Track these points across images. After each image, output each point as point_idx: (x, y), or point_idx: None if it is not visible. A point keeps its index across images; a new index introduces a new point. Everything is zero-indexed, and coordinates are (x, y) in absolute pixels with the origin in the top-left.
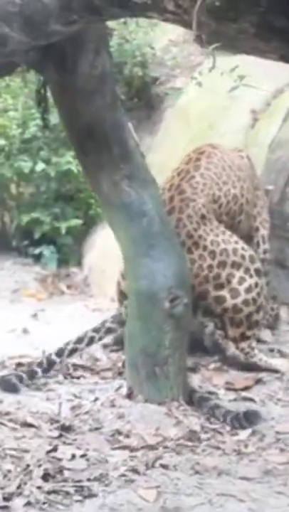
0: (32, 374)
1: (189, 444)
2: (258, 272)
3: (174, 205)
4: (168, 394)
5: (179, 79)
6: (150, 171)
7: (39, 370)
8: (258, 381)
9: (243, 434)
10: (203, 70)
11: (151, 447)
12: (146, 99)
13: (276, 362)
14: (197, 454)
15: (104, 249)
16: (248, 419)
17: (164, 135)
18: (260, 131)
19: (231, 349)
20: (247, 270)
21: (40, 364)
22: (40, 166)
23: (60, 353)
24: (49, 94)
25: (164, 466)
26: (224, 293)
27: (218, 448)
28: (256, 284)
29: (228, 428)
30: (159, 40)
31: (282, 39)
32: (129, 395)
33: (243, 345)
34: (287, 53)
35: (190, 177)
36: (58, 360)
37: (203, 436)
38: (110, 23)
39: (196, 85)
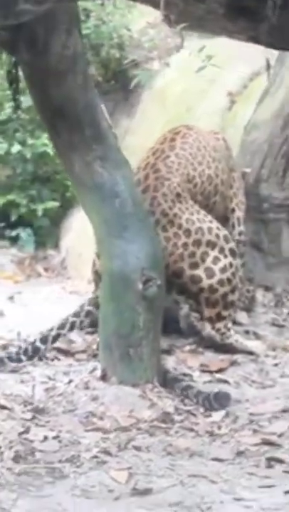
0: (17, 361)
1: (163, 425)
2: (232, 252)
3: (149, 183)
4: (142, 376)
5: (156, 61)
6: (122, 152)
7: (23, 358)
8: (233, 363)
9: (217, 416)
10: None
11: (125, 429)
12: (122, 82)
13: (252, 344)
14: (170, 436)
15: (81, 232)
16: (218, 400)
17: (141, 117)
18: (237, 113)
19: (207, 329)
20: (221, 250)
21: (25, 351)
22: (15, 148)
23: (44, 340)
24: (21, 74)
25: (137, 448)
26: (199, 272)
27: (191, 430)
28: (231, 264)
29: (201, 410)
30: (136, 22)
31: (250, 19)
32: (103, 377)
33: (219, 325)
34: (256, 34)
35: (165, 156)
36: (43, 347)
37: (176, 418)
38: (87, 5)
39: (170, 67)
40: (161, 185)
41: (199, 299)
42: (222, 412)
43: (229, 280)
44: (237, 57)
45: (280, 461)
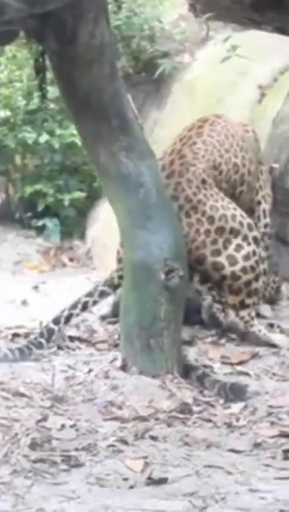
0: (39, 345)
1: (181, 416)
2: (255, 240)
3: (174, 169)
4: (162, 366)
5: (187, 53)
6: (148, 143)
7: (43, 341)
8: (255, 355)
9: (236, 408)
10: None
11: (143, 419)
12: (153, 74)
13: (275, 337)
14: (188, 426)
15: (107, 223)
16: (234, 391)
17: (171, 109)
18: (267, 106)
19: (231, 316)
20: (245, 237)
21: (42, 334)
22: (44, 138)
23: (56, 320)
24: (48, 64)
25: (154, 438)
26: (221, 259)
27: (209, 421)
28: (254, 252)
29: (221, 401)
30: (168, 14)
31: (276, 10)
32: (124, 367)
33: (243, 313)
34: (282, 25)
35: (192, 143)
36: (56, 328)
37: (195, 408)
38: None
39: (199, 59)
40: (186, 170)
41: (222, 287)
42: (241, 404)
43: (252, 268)
44: (268, 50)
45: None
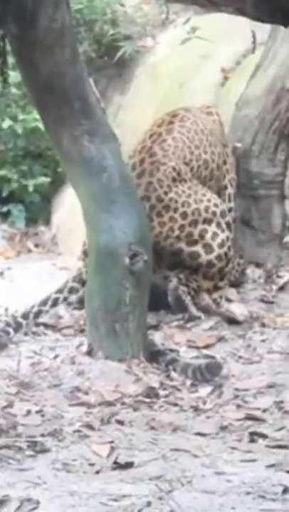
0: (6, 333)
1: (147, 400)
2: (228, 225)
3: (145, 167)
4: (128, 351)
5: (150, 37)
6: (111, 127)
7: (11, 330)
8: (221, 339)
9: (203, 391)
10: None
11: (109, 403)
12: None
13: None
14: (154, 411)
15: (72, 208)
16: (210, 370)
17: (135, 94)
18: (231, 89)
19: (206, 299)
20: (218, 225)
21: (9, 324)
22: (7, 123)
23: (25, 315)
24: (9, 48)
25: (120, 422)
26: (198, 248)
27: (175, 405)
28: (227, 238)
29: (187, 384)
30: None
31: None
32: (90, 352)
33: (215, 295)
34: (242, 6)
35: (162, 140)
36: (24, 322)
37: (161, 392)
38: None
39: (163, 43)
40: (156, 170)
41: (197, 272)
42: (208, 388)
43: (226, 254)
44: (231, 34)
45: (263, 436)
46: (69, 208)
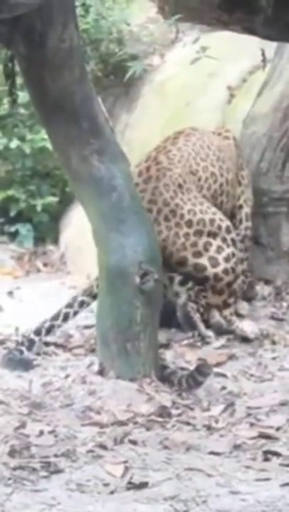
0: (20, 352)
1: (160, 419)
2: (233, 242)
3: (151, 174)
4: (140, 370)
5: (156, 56)
6: (120, 146)
7: (24, 349)
8: (231, 357)
9: (215, 410)
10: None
11: (122, 423)
12: (122, 77)
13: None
14: (167, 430)
15: (81, 227)
16: (200, 372)
17: (142, 112)
18: (237, 107)
19: (216, 317)
20: (224, 240)
21: (22, 343)
22: (14, 143)
23: (38, 332)
24: (18, 69)
25: (133, 442)
26: (203, 261)
27: (188, 423)
28: (233, 254)
29: (201, 404)
30: (136, 16)
31: (245, 10)
32: (101, 372)
33: (226, 312)
34: (251, 25)
35: (167, 150)
36: (36, 338)
37: (174, 411)
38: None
39: (170, 61)
40: (162, 175)
41: (205, 287)
42: (220, 406)
43: (233, 269)
44: (238, 52)
45: (277, 455)
46: (77, 227)
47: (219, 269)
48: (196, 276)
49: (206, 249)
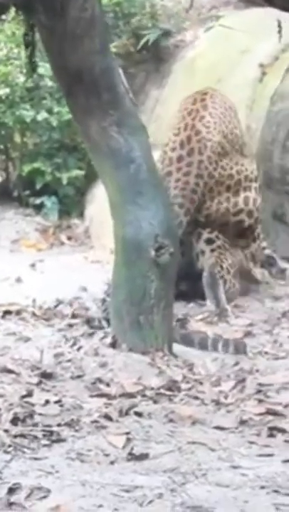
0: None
1: (168, 393)
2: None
3: (193, 146)
4: (152, 343)
5: (189, 32)
6: (140, 118)
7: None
8: (247, 334)
9: (225, 386)
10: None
11: (129, 395)
12: (154, 52)
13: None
14: (174, 403)
15: (105, 201)
16: (237, 346)
17: (172, 88)
18: (268, 84)
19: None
20: (256, 190)
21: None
22: (42, 116)
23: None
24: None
25: (138, 414)
26: (243, 216)
27: (196, 398)
28: (257, 201)
29: (214, 379)
30: None
31: None
32: (113, 344)
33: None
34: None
35: (201, 116)
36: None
37: (183, 386)
38: None
39: (201, 37)
40: (204, 147)
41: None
42: (231, 382)
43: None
44: (270, 29)
45: (282, 431)
46: (102, 202)
47: (252, 220)
48: (235, 230)
49: (246, 204)
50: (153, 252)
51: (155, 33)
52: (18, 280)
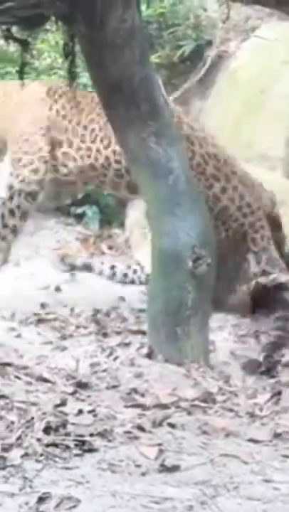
0: None
1: (203, 405)
2: None
3: None
4: (188, 355)
5: (232, 42)
6: (178, 128)
7: None
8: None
9: (261, 398)
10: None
11: (164, 406)
12: (197, 63)
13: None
14: (208, 415)
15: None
16: None
17: (216, 99)
18: None
19: None
20: None
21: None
22: None
23: None
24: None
25: (172, 425)
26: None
27: (231, 410)
28: None
29: (249, 391)
30: (214, 2)
31: None
32: (149, 355)
33: None
34: None
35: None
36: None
37: (219, 398)
38: None
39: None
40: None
41: None
42: (267, 395)
43: None
44: None
45: None
46: (142, 211)
47: None
48: None
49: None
50: (190, 263)
51: (191, 43)
52: (57, 289)
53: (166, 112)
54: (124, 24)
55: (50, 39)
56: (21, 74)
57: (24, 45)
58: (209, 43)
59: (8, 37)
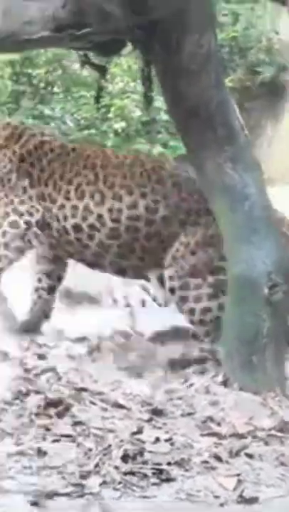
0: None
1: (279, 435)
2: None
3: None
4: (264, 383)
5: None
6: (253, 154)
7: None
8: None
9: None
10: None
11: (240, 436)
12: (270, 87)
13: None
14: (285, 446)
15: None
16: None
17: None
18: None
19: None
20: None
21: None
22: (157, 150)
23: None
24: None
25: (249, 456)
26: None
27: None
28: None
29: None
30: (286, 25)
31: None
32: (225, 383)
33: None
34: None
35: None
36: None
37: None
38: (236, 8)
39: None
40: None
41: None
42: None
43: None
44: None
45: None
46: None
47: None
48: None
49: None
50: (266, 290)
51: (271, 69)
52: (131, 314)
53: (242, 137)
54: (200, 49)
55: (123, 63)
56: (98, 98)
57: (101, 70)
58: (284, 68)
59: (86, 62)
